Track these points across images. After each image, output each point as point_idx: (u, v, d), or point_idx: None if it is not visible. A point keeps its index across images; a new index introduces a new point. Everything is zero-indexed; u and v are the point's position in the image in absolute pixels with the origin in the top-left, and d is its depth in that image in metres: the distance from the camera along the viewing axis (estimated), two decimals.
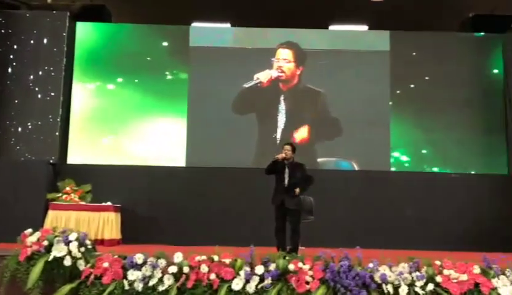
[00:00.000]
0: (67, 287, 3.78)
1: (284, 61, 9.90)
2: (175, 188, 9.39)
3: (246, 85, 9.73)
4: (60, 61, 9.40)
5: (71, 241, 3.95)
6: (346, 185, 9.41)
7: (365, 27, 10.68)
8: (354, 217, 9.16)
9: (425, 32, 10.17)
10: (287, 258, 3.81)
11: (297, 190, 6.04)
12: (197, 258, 3.82)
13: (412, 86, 9.90)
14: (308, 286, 3.62)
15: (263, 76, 9.77)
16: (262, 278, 3.69)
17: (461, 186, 9.47)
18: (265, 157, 7.29)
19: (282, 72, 9.84)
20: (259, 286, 3.65)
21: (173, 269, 3.74)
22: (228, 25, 10.63)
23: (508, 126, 9.70)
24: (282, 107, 9.80)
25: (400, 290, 3.61)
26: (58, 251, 3.88)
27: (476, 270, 3.79)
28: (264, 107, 9.84)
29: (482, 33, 10.15)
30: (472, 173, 9.64)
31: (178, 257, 3.82)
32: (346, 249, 3.84)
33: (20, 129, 9.22)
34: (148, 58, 9.95)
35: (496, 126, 9.81)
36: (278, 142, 9.48)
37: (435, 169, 9.68)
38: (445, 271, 3.75)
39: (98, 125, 9.73)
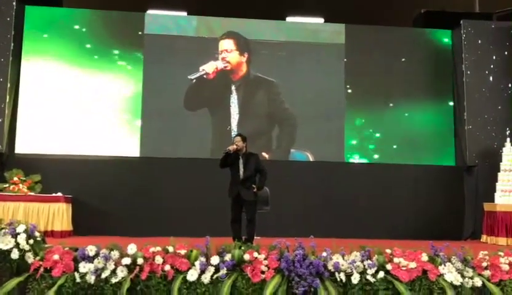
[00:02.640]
0: (14, 281, 3.65)
1: (226, 51, 9.88)
2: (129, 179, 9.24)
3: (191, 77, 9.64)
4: (6, 46, 8.98)
5: (18, 233, 3.81)
6: (301, 176, 9.54)
7: (321, 20, 10.80)
8: (309, 208, 9.31)
9: (379, 26, 10.40)
10: (242, 248, 3.83)
11: (255, 189, 6.08)
12: (152, 249, 3.78)
13: (366, 79, 10.11)
14: (263, 276, 3.66)
15: (209, 67, 9.73)
16: (217, 269, 3.69)
17: (411, 177, 9.81)
18: (221, 148, 7.27)
19: (227, 62, 9.83)
20: (214, 277, 3.65)
21: (126, 261, 3.67)
22: (185, 13, 10.48)
23: (455, 118, 10.10)
24: (235, 97, 9.79)
25: (352, 278, 3.70)
26: (5, 243, 3.74)
27: (424, 257, 3.93)
28: (217, 100, 9.79)
29: (433, 29, 10.49)
30: (422, 164, 9.97)
31: (131, 248, 3.75)
32: (300, 239, 3.89)
33: None
34: (101, 45, 9.66)
35: (445, 119, 10.19)
36: (233, 132, 9.47)
37: (387, 161, 9.94)
38: (395, 259, 3.87)
39: (47, 113, 9.37)
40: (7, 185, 8.54)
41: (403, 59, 10.25)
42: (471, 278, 3.88)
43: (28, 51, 9.44)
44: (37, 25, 9.54)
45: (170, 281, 3.63)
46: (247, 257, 3.73)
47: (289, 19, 10.68)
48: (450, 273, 3.85)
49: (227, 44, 9.92)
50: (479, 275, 3.94)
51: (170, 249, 3.80)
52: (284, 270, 3.64)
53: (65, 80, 9.49)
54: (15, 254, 3.72)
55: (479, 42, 9.91)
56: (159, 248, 3.80)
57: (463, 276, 3.87)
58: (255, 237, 6.02)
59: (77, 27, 9.66)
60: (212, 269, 3.68)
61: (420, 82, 10.23)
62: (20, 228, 3.86)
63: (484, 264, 4.01)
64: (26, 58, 9.42)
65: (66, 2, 10.20)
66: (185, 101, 9.65)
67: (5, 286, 3.63)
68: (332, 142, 9.89)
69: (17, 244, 3.77)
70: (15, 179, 8.58)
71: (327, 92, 9.99)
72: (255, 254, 3.76)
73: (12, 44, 9.02)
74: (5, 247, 3.72)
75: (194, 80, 9.68)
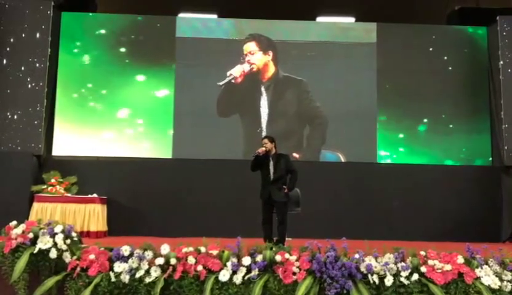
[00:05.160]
0: (53, 280, 3.76)
1: (250, 53, 9.90)
2: (162, 180, 9.37)
3: (220, 83, 9.70)
4: (43, 52, 9.26)
5: (56, 234, 3.92)
6: (333, 177, 9.47)
7: (352, 19, 10.69)
8: (341, 209, 9.23)
9: (412, 24, 10.22)
10: (273, 249, 3.83)
11: (286, 190, 6.07)
12: (184, 250, 3.82)
13: (398, 78, 9.96)
14: (294, 277, 3.64)
15: (236, 71, 9.78)
16: (249, 269, 3.70)
17: (445, 177, 9.59)
18: (252, 149, 7.28)
19: (253, 64, 9.85)
20: (246, 277, 3.66)
21: (160, 261, 3.73)
22: (215, 16, 10.57)
23: (492, 117, 9.82)
24: (265, 98, 9.80)
25: (385, 280, 3.65)
26: (44, 243, 3.85)
27: (460, 260, 3.83)
28: (247, 102, 9.82)
29: (468, 26, 10.23)
30: (457, 164, 9.74)
31: (165, 249, 3.81)
32: (333, 240, 3.86)
33: (2, 120, 9.09)
34: (134, 49, 9.86)
35: (481, 118, 9.93)
36: (263, 133, 9.48)
37: (421, 161, 9.76)
38: (430, 262, 3.79)
39: (83, 116, 9.62)
40: (45, 186, 8.79)
41: (436, 58, 10.03)
42: (510, 281, 3.76)
43: (64, 56, 9.72)
44: (73, 31, 9.81)
45: (203, 281, 3.67)
46: (278, 258, 3.72)
47: (319, 19, 10.63)
48: (488, 276, 3.74)
49: (249, 46, 9.97)
50: None
51: (203, 249, 3.83)
52: (315, 272, 3.61)
53: (99, 84, 9.72)
54: (53, 254, 3.82)
55: None
56: (191, 249, 3.84)
57: (501, 280, 3.76)
58: (287, 238, 6.01)
59: (110, 31, 9.89)
60: (243, 270, 3.69)
61: (454, 80, 10.00)
62: (58, 229, 3.96)
63: None
64: (63, 63, 9.70)
65: (100, 8, 10.44)
66: (217, 108, 9.73)
67: (44, 284, 3.74)
68: (363, 143, 9.78)
69: (55, 244, 3.87)
70: (53, 180, 8.82)
71: (358, 92, 9.89)
72: (287, 255, 3.75)
73: (49, 50, 9.30)
74: (44, 247, 3.83)
75: (223, 86, 9.74)
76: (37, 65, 9.22)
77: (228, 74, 9.77)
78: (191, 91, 9.75)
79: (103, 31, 9.88)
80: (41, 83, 9.18)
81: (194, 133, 9.67)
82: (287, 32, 10.04)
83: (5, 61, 9.19)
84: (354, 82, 9.88)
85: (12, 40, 9.24)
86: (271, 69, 9.93)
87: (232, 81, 9.78)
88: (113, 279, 3.70)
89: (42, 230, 3.94)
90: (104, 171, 9.28)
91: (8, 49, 9.22)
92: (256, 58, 9.92)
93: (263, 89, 9.85)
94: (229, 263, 3.72)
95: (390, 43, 10.03)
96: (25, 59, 9.20)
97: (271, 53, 9.95)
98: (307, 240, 3.92)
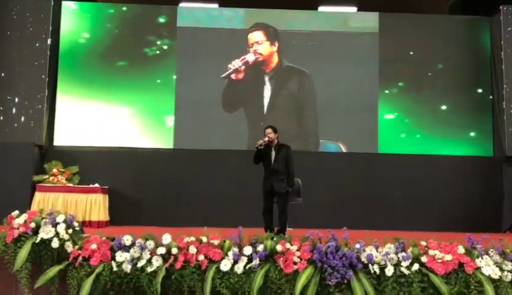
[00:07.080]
0: (55, 269, 3.78)
1: (257, 43, 9.84)
2: (163, 170, 9.39)
3: (223, 76, 9.65)
4: (44, 41, 9.22)
5: (58, 223, 3.93)
6: (334, 167, 9.47)
7: (354, 9, 10.63)
8: (342, 199, 9.24)
9: (414, 14, 10.16)
10: (274, 239, 3.84)
11: (288, 189, 6.09)
12: (186, 239, 3.83)
13: (401, 68, 9.92)
14: (295, 267, 3.66)
15: (238, 63, 9.69)
16: (250, 259, 3.71)
17: (446, 168, 9.59)
18: (254, 139, 7.29)
19: (259, 54, 9.79)
20: (247, 267, 3.67)
21: (161, 250, 3.74)
22: (216, 6, 10.51)
23: (494, 108, 9.80)
24: (268, 88, 9.76)
25: (386, 270, 3.66)
26: (46, 232, 3.86)
27: (460, 250, 3.84)
28: (251, 94, 9.78)
29: (471, 16, 10.16)
30: (459, 154, 9.73)
31: (166, 238, 3.82)
32: (333, 230, 3.87)
33: (4, 110, 9.09)
34: (135, 38, 9.82)
35: (483, 108, 9.90)
36: (266, 123, 9.44)
37: (422, 151, 9.75)
38: (431, 252, 3.80)
39: (84, 106, 9.61)
40: (47, 176, 8.81)
41: (438, 48, 9.98)
42: (510, 271, 3.77)
43: (65, 46, 9.68)
44: (74, 20, 9.76)
45: (204, 271, 3.68)
46: (279, 248, 3.73)
47: (321, 8, 10.56)
48: (488, 266, 3.75)
49: (257, 36, 9.90)
50: None
51: (204, 239, 3.85)
52: (316, 262, 3.63)
53: (100, 73, 9.69)
54: (55, 243, 3.84)
55: None
56: (193, 238, 3.85)
57: (501, 270, 3.77)
58: (287, 228, 6.02)
59: (111, 20, 9.84)
60: (244, 259, 3.71)
61: (456, 70, 9.96)
62: (60, 218, 3.98)
63: None
64: (63, 53, 9.66)
65: None
66: (223, 104, 9.70)
67: (47, 273, 3.76)
68: (365, 133, 9.76)
69: (57, 234, 3.89)
70: (54, 170, 8.84)
71: (360, 81, 9.85)
72: (288, 245, 3.76)
73: (50, 39, 9.27)
74: (46, 237, 3.85)
75: (227, 80, 9.69)
76: (38, 55, 9.19)
77: (229, 66, 9.70)
78: (192, 81, 9.73)
79: (103, 20, 9.83)
80: (43, 74, 9.16)
81: (196, 123, 9.66)
82: (288, 22, 9.98)
83: (5, 51, 9.16)
84: (355, 71, 9.85)
85: (12, 29, 9.20)
86: (275, 59, 9.88)
87: (232, 77, 9.71)
88: (115, 269, 3.71)
89: (44, 220, 3.95)
90: (106, 161, 9.30)
91: (8, 39, 9.18)
92: (263, 48, 9.87)
93: (266, 79, 9.80)
94: (230, 253, 3.73)
95: (392, 33, 9.97)
96: (26, 50, 9.16)
97: (277, 44, 9.89)
98: (308, 230, 3.92)
